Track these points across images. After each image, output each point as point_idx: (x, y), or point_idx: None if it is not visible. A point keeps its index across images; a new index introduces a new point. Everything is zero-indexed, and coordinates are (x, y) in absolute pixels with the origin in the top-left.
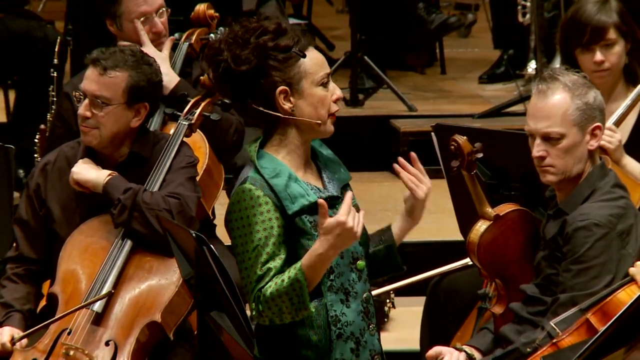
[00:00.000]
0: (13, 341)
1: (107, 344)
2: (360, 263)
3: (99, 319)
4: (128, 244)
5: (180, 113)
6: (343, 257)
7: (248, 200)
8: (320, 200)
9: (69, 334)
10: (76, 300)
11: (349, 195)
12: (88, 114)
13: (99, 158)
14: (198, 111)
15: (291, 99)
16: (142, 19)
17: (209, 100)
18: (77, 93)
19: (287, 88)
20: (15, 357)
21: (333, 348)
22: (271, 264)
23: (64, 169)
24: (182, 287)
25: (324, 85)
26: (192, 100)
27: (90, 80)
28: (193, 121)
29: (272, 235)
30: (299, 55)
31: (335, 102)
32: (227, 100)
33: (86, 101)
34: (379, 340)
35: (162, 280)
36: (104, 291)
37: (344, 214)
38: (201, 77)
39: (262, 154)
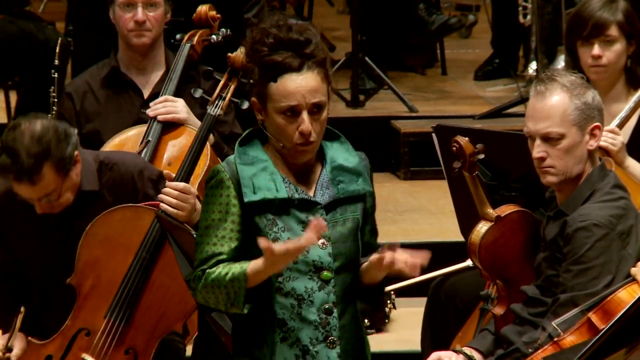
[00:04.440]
0: (6, 348)
1: (126, 352)
2: (325, 274)
3: (117, 326)
4: (156, 251)
5: (209, 97)
6: (297, 262)
7: (213, 180)
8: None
9: (87, 335)
10: (96, 296)
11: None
12: None
13: (42, 214)
14: (227, 97)
15: (262, 112)
16: (126, 5)
17: (236, 80)
18: None
19: (258, 102)
20: (29, 354)
21: (276, 351)
22: (218, 248)
23: (15, 205)
24: None
25: (287, 115)
26: (221, 83)
27: (28, 191)
28: (221, 112)
29: (224, 221)
30: (269, 78)
31: (300, 134)
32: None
33: None
34: (339, 355)
35: (181, 286)
36: (127, 302)
37: (290, 248)
38: (230, 55)
39: (255, 142)
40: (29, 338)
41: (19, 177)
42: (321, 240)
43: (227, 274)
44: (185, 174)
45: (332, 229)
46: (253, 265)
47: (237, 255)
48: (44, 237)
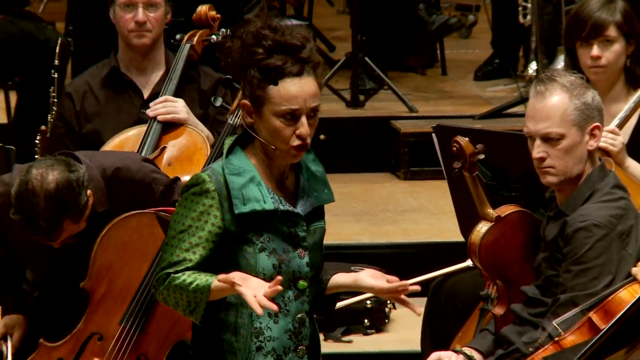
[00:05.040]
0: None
1: (138, 358)
2: (302, 283)
3: (132, 333)
4: None
5: (229, 106)
6: (281, 272)
7: (197, 188)
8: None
9: (99, 339)
10: (109, 301)
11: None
12: None
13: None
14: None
15: (253, 115)
16: (127, 6)
17: None
18: None
19: (249, 104)
20: (40, 356)
21: (251, 359)
22: (189, 255)
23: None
24: None
25: (286, 119)
26: (241, 92)
27: (48, 242)
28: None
29: (201, 229)
30: (270, 81)
31: (298, 137)
32: None
33: None
34: None
35: None
36: (144, 309)
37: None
38: None
39: (237, 150)
40: (41, 340)
41: (37, 235)
42: (299, 250)
43: (191, 283)
44: None
45: (309, 238)
46: (217, 283)
47: (205, 265)
48: (49, 252)
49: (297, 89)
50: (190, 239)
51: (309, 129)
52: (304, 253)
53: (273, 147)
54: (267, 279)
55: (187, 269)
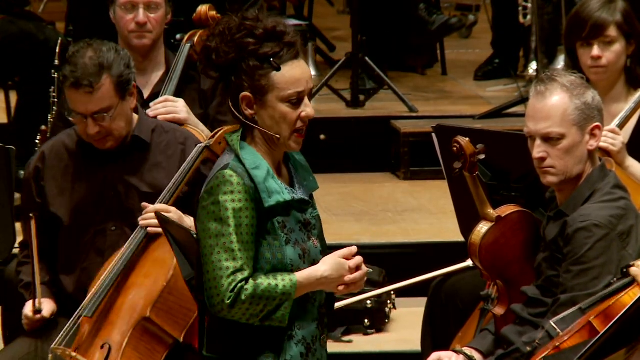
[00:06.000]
0: (35, 310)
1: (102, 347)
2: None
3: (98, 324)
4: (129, 253)
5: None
6: (305, 261)
7: (228, 186)
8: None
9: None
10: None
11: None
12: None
13: (97, 148)
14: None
15: (254, 106)
16: (127, 6)
17: None
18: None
19: (251, 96)
20: None
21: (284, 349)
22: (248, 254)
23: (61, 154)
24: (174, 285)
25: (292, 103)
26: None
27: (84, 103)
28: (212, 143)
29: (246, 225)
30: (272, 68)
31: (302, 120)
32: None
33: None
34: (326, 352)
35: (153, 278)
36: (100, 298)
37: (358, 276)
38: None
39: (243, 145)
40: (36, 315)
41: (78, 83)
42: (312, 239)
43: (277, 285)
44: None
45: (317, 225)
46: (303, 279)
47: (254, 261)
48: (86, 180)
49: (299, 71)
50: (241, 238)
51: (313, 110)
52: (316, 241)
53: (277, 135)
54: (295, 269)
55: (250, 274)
